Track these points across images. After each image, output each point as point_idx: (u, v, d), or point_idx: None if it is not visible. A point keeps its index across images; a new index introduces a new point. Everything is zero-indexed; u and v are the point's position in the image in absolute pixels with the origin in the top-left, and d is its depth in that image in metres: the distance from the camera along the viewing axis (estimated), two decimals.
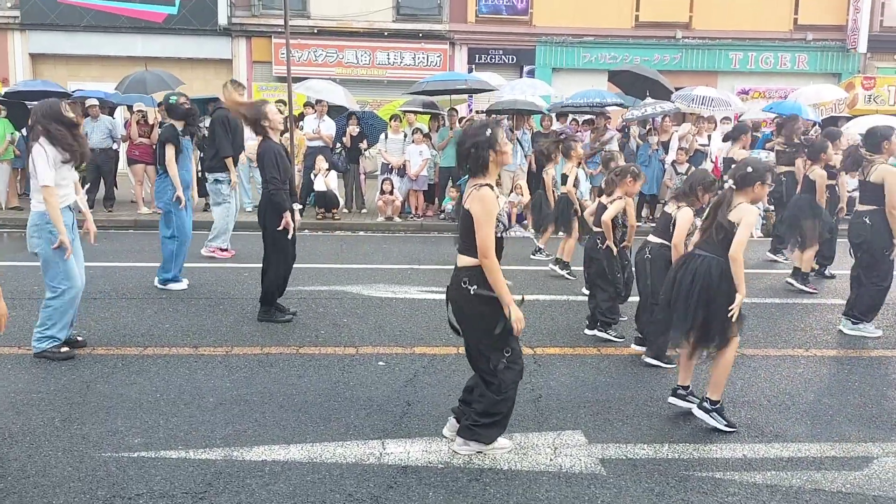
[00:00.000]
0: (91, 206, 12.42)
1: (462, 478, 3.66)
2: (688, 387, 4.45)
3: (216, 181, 8.99)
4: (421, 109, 13.99)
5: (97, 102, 13.00)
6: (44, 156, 5.08)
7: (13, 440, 3.96)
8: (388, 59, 19.59)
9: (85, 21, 18.79)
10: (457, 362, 5.28)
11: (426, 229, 12.24)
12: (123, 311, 6.59)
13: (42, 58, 19.36)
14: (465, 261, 3.74)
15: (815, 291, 8.00)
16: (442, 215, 12.72)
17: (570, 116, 14.39)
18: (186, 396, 4.63)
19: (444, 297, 3.90)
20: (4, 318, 3.69)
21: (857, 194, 9.18)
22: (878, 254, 6.28)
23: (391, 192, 12.54)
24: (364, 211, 13.44)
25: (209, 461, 3.77)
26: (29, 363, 5.18)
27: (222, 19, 19.06)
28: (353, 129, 12.87)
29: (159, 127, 10.03)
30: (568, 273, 8.33)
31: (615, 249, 6.05)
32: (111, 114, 13.98)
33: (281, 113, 6.58)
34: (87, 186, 12.66)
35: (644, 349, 5.55)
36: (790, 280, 8.13)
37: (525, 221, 11.74)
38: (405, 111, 14.00)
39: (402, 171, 12.83)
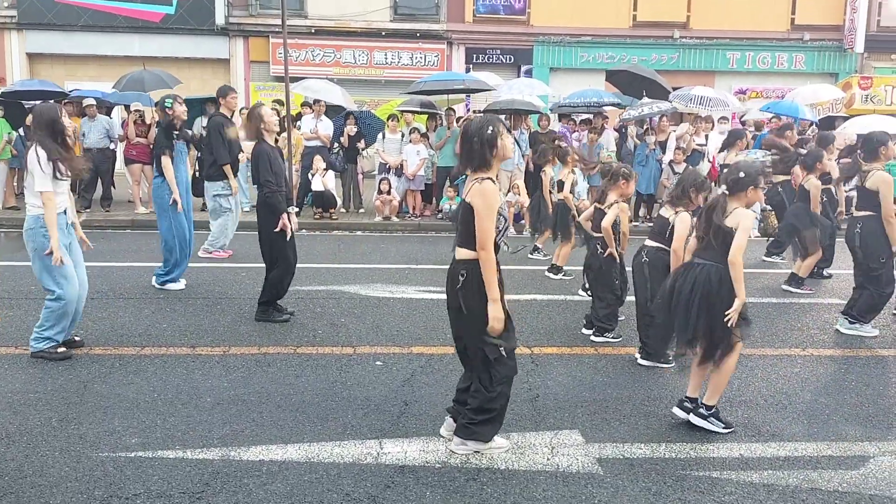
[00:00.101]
0: (88, 206, 12.49)
1: (459, 477, 3.67)
2: (696, 399, 4.37)
3: (215, 196, 8.99)
4: (419, 109, 13.98)
5: (94, 102, 12.98)
6: (36, 161, 5.07)
7: (10, 440, 3.96)
8: (386, 58, 19.58)
9: (82, 21, 18.76)
10: (454, 362, 5.26)
11: (424, 229, 12.24)
12: (121, 311, 6.58)
13: (39, 57, 19.32)
14: (463, 253, 3.75)
15: (811, 291, 8.01)
16: (439, 215, 12.72)
17: (569, 117, 14.39)
18: (184, 396, 4.63)
19: (442, 296, 3.91)
20: None
21: (854, 194, 9.18)
22: (875, 261, 6.28)
23: (389, 192, 12.54)
24: (362, 211, 13.43)
25: (206, 461, 3.77)
26: (26, 363, 5.18)
27: (220, 19, 19.04)
28: (350, 129, 12.87)
29: (156, 127, 10.02)
30: (563, 275, 8.34)
31: (617, 256, 6.04)
32: (108, 113, 13.96)
33: (278, 113, 6.57)
34: (83, 186, 12.68)
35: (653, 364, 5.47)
36: (786, 287, 8.10)
37: (522, 221, 11.75)
38: (403, 111, 13.99)
39: (399, 171, 12.82)
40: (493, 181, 3.71)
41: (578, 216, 8.29)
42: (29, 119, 12.38)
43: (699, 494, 3.57)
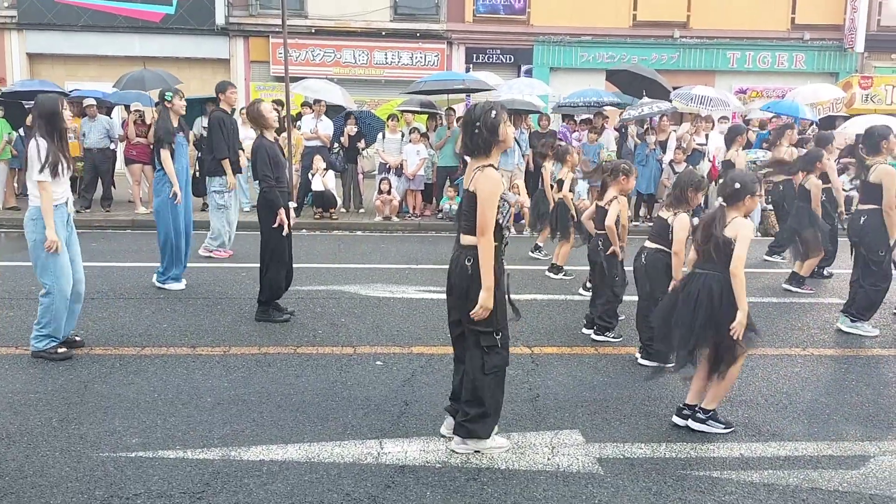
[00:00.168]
0: (88, 206, 12.49)
1: (460, 477, 3.67)
2: (693, 406, 4.35)
3: (213, 192, 9.00)
4: (419, 109, 13.98)
5: (94, 102, 12.98)
6: (37, 152, 5.07)
7: (11, 440, 3.96)
8: (386, 58, 19.58)
9: (82, 21, 18.77)
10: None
11: (424, 229, 12.24)
12: (121, 311, 6.59)
13: (39, 57, 19.33)
14: (468, 240, 3.75)
15: (811, 291, 8.01)
16: (440, 215, 12.72)
17: (571, 117, 14.40)
18: (184, 396, 4.63)
19: (442, 297, 3.90)
20: None
21: (854, 193, 9.16)
22: (874, 254, 6.30)
23: (389, 192, 12.54)
24: (362, 211, 13.44)
25: (207, 461, 3.77)
26: (27, 363, 5.18)
27: (220, 19, 19.05)
28: (350, 129, 12.87)
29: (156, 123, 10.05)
30: (564, 274, 8.34)
31: (620, 254, 6.04)
32: (108, 114, 13.96)
33: (278, 113, 6.58)
34: (83, 186, 12.69)
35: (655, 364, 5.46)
36: (787, 286, 8.11)
37: (522, 221, 11.75)
38: (403, 111, 13.99)
39: (399, 171, 12.83)
40: (495, 167, 3.71)
41: (577, 216, 8.30)
42: (30, 119, 12.42)
43: (699, 494, 3.57)
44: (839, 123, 15.04)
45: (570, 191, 8.49)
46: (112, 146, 13.12)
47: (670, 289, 5.23)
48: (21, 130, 12.52)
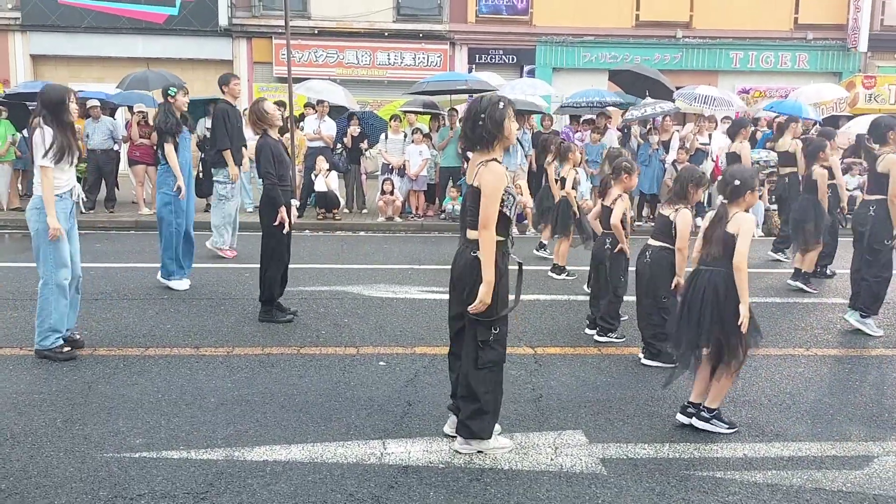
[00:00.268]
0: (92, 208, 12.52)
1: (463, 477, 3.67)
2: (698, 405, 4.36)
3: (216, 181, 9.04)
4: (421, 110, 13.99)
5: (98, 103, 13.02)
6: (41, 139, 5.07)
7: (15, 441, 3.97)
8: (389, 59, 19.60)
9: (86, 22, 18.81)
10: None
11: (427, 229, 12.24)
12: (125, 312, 6.60)
13: (43, 59, 19.38)
14: (474, 234, 3.73)
15: (814, 291, 8.00)
16: (442, 215, 12.73)
17: (578, 119, 14.38)
18: (188, 397, 4.64)
19: (445, 297, 3.90)
20: None
21: (857, 193, 9.15)
22: (879, 244, 6.33)
23: (392, 193, 12.55)
24: (365, 211, 13.45)
25: (211, 461, 3.78)
26: (31, 364, 5.19)
27: (223, 20, 19.08)
28: (353, 130, 12.88)
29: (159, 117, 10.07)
30: (566, 275, 8.34)
31: (628, 252, 6.04)
32: (112, 115, 14.00)
33: (280, 113, 6.59)
34: (87, 187, 12.71)
35: (657, 364, 5.45)
36: (791, 281, 8.13)
37: (525, 221, 11.75)
38: (405, 111, 14.00)
39: (402, 172, 12.83)
40: (499, 161, 3.69)
41: (579, 214, 8.30)
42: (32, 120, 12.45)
43: (703, 494, 3.57)
44: (842, 123, 15.03)
45: (573, 189, 8.48)
46: (115, 147, 13.16)
47: (673, 286, 5.25)
48: (25, 131, 12.55)
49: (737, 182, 4.23)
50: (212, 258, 9.02)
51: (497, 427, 3.99)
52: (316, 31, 19.35)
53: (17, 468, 3.67)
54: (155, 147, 9.86)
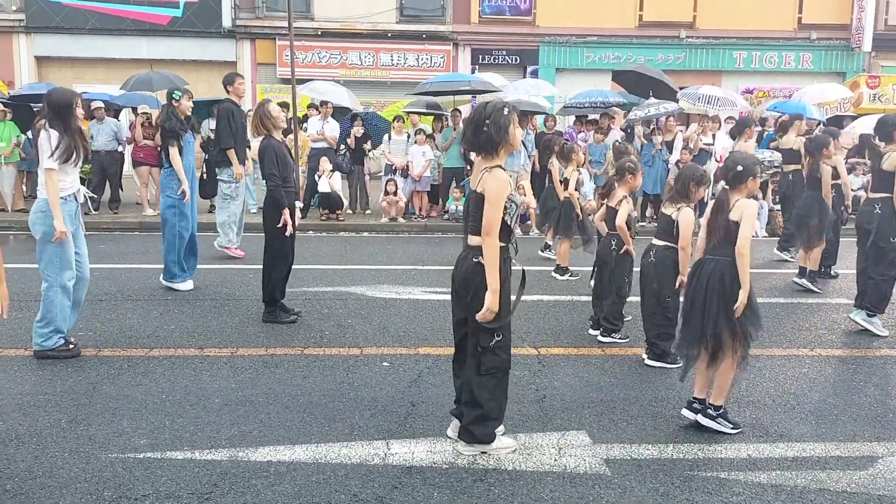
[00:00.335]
0: (97, 209, 12.54)
1: (467, 478, 3.67)
2: (704, 400, 4.36)
3: (220, 181, 9.06)
4: (424, 110, 14.00)
5: (102, 105, 13.05)
6: (47, 141, 5.09)
7: (20, 441, 3.98)
8: (392, 60, 19.61)
9: (90, 24, 18.87)
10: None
11: (430, 230, 12.25)
12: (129, 313, 6.61)
13: (47, 60, 19.44)
14: (476, 240, 3.73)
15: (819, 291, 7.99)
16: (446, 216, 12.73)
17: (583, 120, 14.38)
18: (192, 397, 4.65)
19: (448, 298, 3.90)
20: (5, 300, 3.70)
21: (861, 193, 9.12)
22: (885, 242, 6.32)
23: (395, 193, 12.56)
24: (368, 212, 13.45)
25: (215, 462, 3.78)
26: (35, 365, 5.21)
27: (226, 21, 19.13)
28: (357, 131, 12.90)
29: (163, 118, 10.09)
30: (570, 276, 8.33)
31: (633, 253, 6.03)
32: (116, 116, 14.03)
33: (284, 115, 6.60)
34: (91, 188, 12.74)
35: (661, 364, 5.44)
36: (796, 280, 8.12)
37: (528, 222, 11.75)
38: (409, 112, 14.01)
39: (405, 172, 12.84)
40: (503, 168, 3.69)
41: (581, 216, 8.30)
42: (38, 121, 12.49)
43: (707, 495, 3.57)
44: (847, 123, 15.00)
45: (576, 190, 8.48)
46: (120, 149, 13.19)
47: (677, 285, 5.24)
48: (30, 133, 12.59)
49: (739, 168, 4.23)
50: (215, 259, 9.03)
51: (500, 427, 3.99)
52: (319, 32, 19.38)
53: (22, 469, 3.68)
54: (159, 149, 9.88)
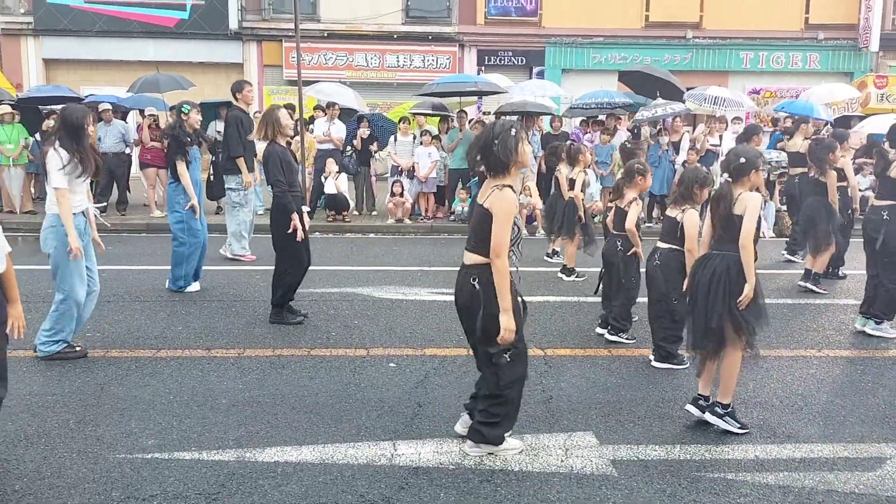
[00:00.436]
0: (104, 211, 12.56)
1: (473, 479, 3.67)
2: (708, 397, 4.37)
3: (229, 189, 9.07)
4: (430, 112, 14.01)
5: (110, 107, 13.10)
6: (57, 160, 5.14)
7: (29, 442, 4.01)
8: (398, 61, 19.62)
9: (97, 26, 18.94)
10: (467, 364, 5.28)
11: (436, 231, 12.26)
12: (136, 314, 6.64)
13: (55, 63, 19.52)
14: (472, 258, 3.74)
15: (825, 292, 7.96)
16: (452, 217, 12.73)
17: (589, 121, 14.36)
18: (199, 398, 4.67)
19: (453, 298, 3.91)
20: (20, 320, 3.73)
21: (870, 193, 9.09)
22: (895, 249, 6.27)
23: (401, 195, 12.57)
24: (374, 213, 13.47)
25: (222, 462, 3.80)
26: (44, 366, 5.23)
27: (233, 23, 19.17)
28: (363, 132, 12.91)
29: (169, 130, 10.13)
30: (576, 276, 8.32)
31: (641, 255, 6.02)
32: (124, 118, 14.09)
33: (290, 117, 6.61)
34: (98, 190, 12.79)
35: (667, 366, 5.44)
36: (801, 283, 8.08)
37: (535, 223, 11.74)
38: (415, 113, 14.02)
39: (411, 173, 12.85)
40: (513, 189, 3.70)
41: (585, 218, 8.29)
42: (45, 124, 12.55)
43: (714, 496, 3.56)
44: (854, 123, 14.93)
45: (582, 191, 8.46)
46: (127, 150, 13.24)
47: (685, 288, 5.23)
48: (38, 135, 12.65)
49: (742, 160, 4.23)
50: (222, 260, 9.06)
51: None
52: (325, 34, 19.40)
53: (31, 469, 3.70)
54: (165, 152, 9.91)
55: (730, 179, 4.27)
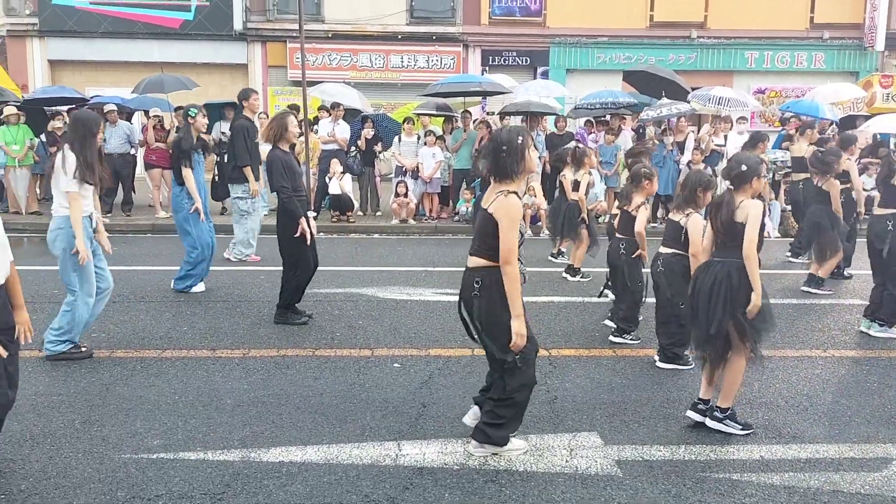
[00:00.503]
0: (109, 211, 12.62)
1: (478, 479, 3.67)
2: (708, 401, 4.36)
3: (235, 199, 9.07)
4: (434, 112, 14.01)
5: (115, 108, 13.13)
6: (69, 163, 5.16)
7: (34, 442, 4.02)
8: (402, 62, 19.63)
9: (102, 27, 19.00)
10: (472, 364, 5.29)
11: (440, 231, 12.26)
12: (142, 315, 6.66)
13: (60, 64, 19.58)
14: (476, 262, 3.75)
15: (830, 292, 7.93)
16: (456, 217, 12.74)
17: (596, 121, 14.34)
18: (204, 398, 4.68)
19: (457, 298, 3.91)
20: (26, 325, 3.73)
21: (875, 193, 9.03)
22: None
23: (405, 195, 12.58)
24: (379, 214, 13.48)
25: (227, 462, 3.80)
26: (49, 366, 5.25)
27: (238, 24, 19.21)
28: (367, 133, 12.92)
29: (175, 132, 10.13)
30: (581, 277, 8.31)
31: (646, 257, 6.01)
32: (128, 119, 14.12)
33: (295, 118, 6.61)
34: (104, 191, 12.82)
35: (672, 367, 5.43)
36: (805, 288, 8.04)
37: (539, 223, 11.73)
38: (419, 114, 14.02)
39: (416, 174, 12.86)
40: (519, 196, 3.70)
41: (588, 220, 8.28)
42: (51, 125, 12.60)
43: (719, 496, 3.55)
44: (860, 123, 14.87)
45: (586, 193, 8.44)
46: (132, 151, 13.27)
47: (690, 293, 5.21)
48: (43, 136, 12.69)
49: (743, 167, 4.21)
50: (227, 261, 9.07)
51: None
52: (330, 35, 19.43)
53: (37, 469, 3.71)
54: (170, 152, 9.94)
55: (731, 187, 4.25)
